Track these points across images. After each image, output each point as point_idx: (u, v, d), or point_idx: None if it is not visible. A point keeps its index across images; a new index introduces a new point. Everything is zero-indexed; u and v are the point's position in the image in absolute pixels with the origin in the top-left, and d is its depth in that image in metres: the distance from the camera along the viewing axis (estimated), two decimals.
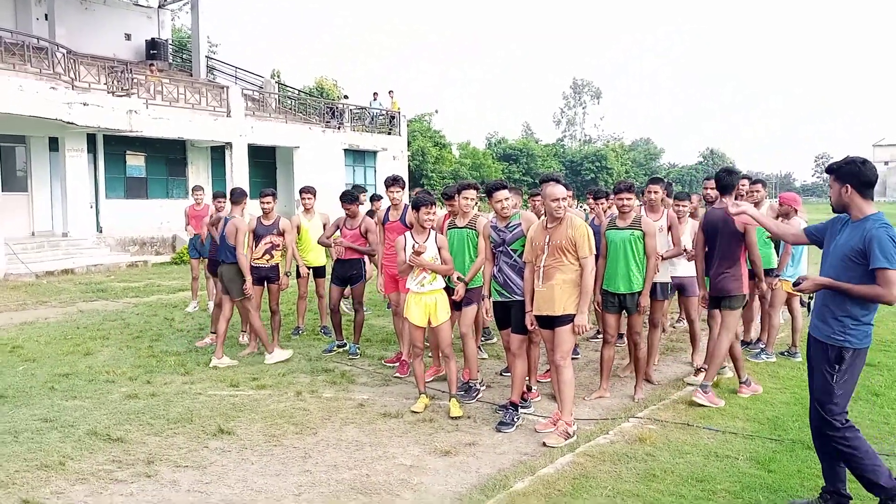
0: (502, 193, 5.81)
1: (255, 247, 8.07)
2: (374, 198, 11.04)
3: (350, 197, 8.00)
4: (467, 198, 6.41)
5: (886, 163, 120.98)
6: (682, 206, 7.34)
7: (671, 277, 7.20)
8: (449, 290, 6.24)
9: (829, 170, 3.90)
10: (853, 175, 3.78)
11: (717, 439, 5.15)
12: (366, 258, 8.18)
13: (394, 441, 5.28)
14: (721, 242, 6.13)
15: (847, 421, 3.84)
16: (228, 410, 5.98)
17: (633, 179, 7.61)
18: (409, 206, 6.49)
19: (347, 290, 8.50)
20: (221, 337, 7.76)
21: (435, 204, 6.04)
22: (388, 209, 7.51)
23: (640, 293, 6.25)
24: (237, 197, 7.93)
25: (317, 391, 6.57)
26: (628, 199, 6.29)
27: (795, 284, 3.96)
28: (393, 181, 7.39)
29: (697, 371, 6.85)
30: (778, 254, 7.68)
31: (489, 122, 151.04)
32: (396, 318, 7.52)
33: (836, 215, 4.02)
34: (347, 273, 8.04)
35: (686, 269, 7.16)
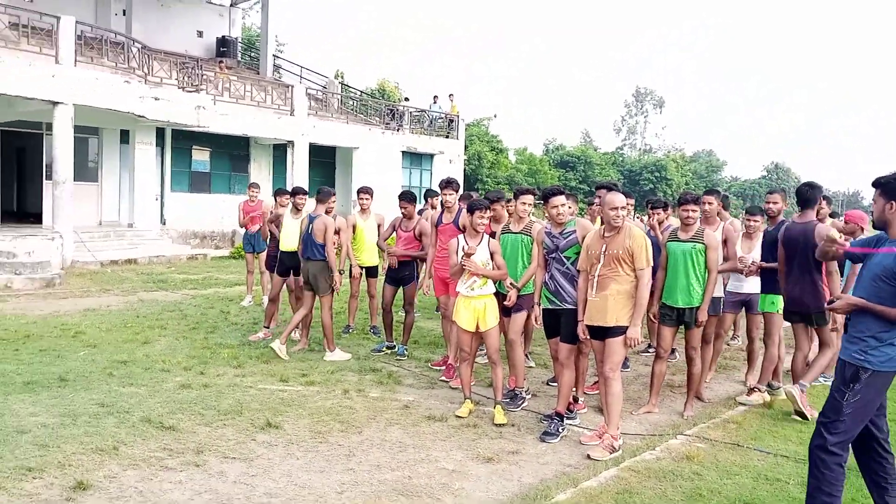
0: (559, 199, 5.76)
1: None
2: (430, 193, 11.02)
3: (409, 196, 8.07)
4: (524, 203, 6.37)
5: None
6: (754, 220, 7.14)
7: (728, 293, 7.07)
8: (500, 295, 6.23)
9: (876, 184, 3.77)
10: None
11: (768, 462, 5.00)
12: (416, 260, 8.24)
13: (437, 444, 5.29)
14: (799, 258, 6.11)
15: (842, 452, 3.69)
16: (277, 405, 6.09)
17: (696, 192, 7.51)
18: (465, 210, 6.50)
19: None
20: (306, 329, 8.29)
21: (490, 209, 6.04)
22: (442, 212, 7.54)
23: (699, 308, 6.12)
24: (323, 196, 8.16)
25: (364, 390, 6.63)
26: (693, 210, 6.18)
27: (829, 303, 3.87)
28: (447, 184, 7.43)
29: (751, 391, 6.66)
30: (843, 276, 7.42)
31: (548, 128, 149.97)
32: (445, 322, 7.55)
33: (877, 233, 3.89)
34: (400, 274, 8.11)
35: (753, 285, 6.97)
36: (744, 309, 7.32)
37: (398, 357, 7.95)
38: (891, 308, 3.59)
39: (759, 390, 6.60)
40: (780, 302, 6.53)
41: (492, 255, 6.02)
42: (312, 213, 8.00)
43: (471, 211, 6.01)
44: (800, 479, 4.65)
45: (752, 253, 7.10)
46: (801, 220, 6.22)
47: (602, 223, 5.51)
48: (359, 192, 9.44)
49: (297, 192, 8.91)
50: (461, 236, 6.15)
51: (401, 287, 8.21)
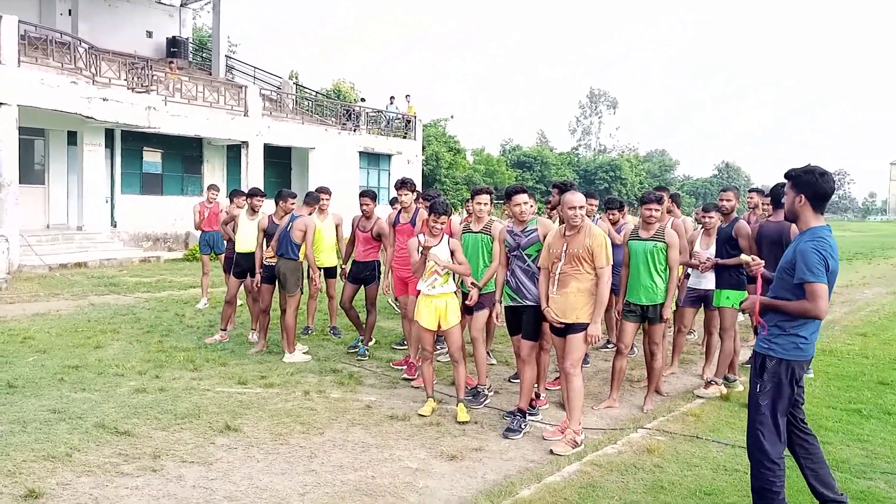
0: (521, 197, 5.81)
1: (268, 246, 8.08)
2: (394, 201, 11.03)
3: (371, 194, 8.04)
4: (480, 203, 6.39)
5: None
6: (709, 216, 7.26)
7: (689, 289, 7.22)
8: (462, 294, 6.23)
9: (788, 175, 3.84)
10: (809, 185, 3.73)
11: (727, 453, 5.09)
12: (380, 259, 8.18)
13: (400, 444, 5.26)
14: (774, 256, 6.19)
15: (774, 446, 3.74)
16: (236, 407, 5.97)
17: (656, 192, 7.53)
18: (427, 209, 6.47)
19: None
20: (264, 331, 8.26)
21: (448, 215, 6.00)
22: (399, 212, 7.52)
23: (661, 304, 6.22)
24: (310, 199, 8.49)
25: (324, 391, 6.56)
26: (655, 209, 6.27)
27: (741, 304, 4.03)
28: (402, 184, 7.41)
29: (708, 384, 6.79)
30: None
31: (505, 128, 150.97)
32: (405, 321, 7.53)
33: None
34: (362, 273, 8.05)
35: (711, 281, 7.09)
36: (702, 305, 7.45)
37: (359, 357, 7.89)
38: (788, 302, 3.69)
39: (717, 383, 6.73)
40: (735, 297, 6.66)
41: (452, 253, 6.01)
42: (295, 214, 8.07)
43: (431, 211, 5.99)
44: None
45: (710, 249, 7.23)
46: (775, 219, 6.36)
47: (561, 222, 5.55)
48: (317, 191, 9.33)
49: (253, 193, 8.83)
50: (421, 235, 6.12)
51: (362, 286, 8.15)
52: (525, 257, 5.75)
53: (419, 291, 6.09)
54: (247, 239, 8.60)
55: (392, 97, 29.14)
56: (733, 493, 4.37)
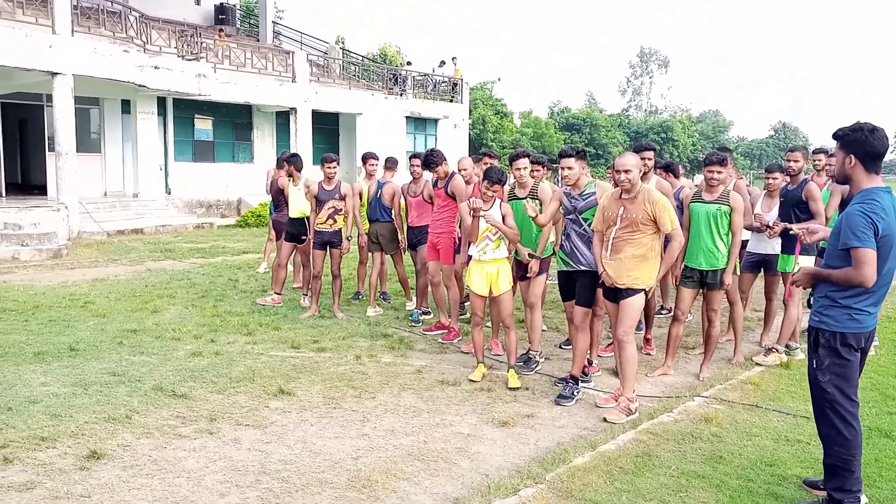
0: (522, 162, 6.01)
1: (319, 211, 8.10)
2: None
3: (421, 155, 7.98)
4: (519, 167, 6.20)
5: None
6: (773, 178, 6.97)
7: (748, 253, 6.95)
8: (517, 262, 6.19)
9: (836, 136, 3.60)
10: (858, 144, 3.48)
11: (788, 423, 4.93)
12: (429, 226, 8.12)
13: (451, 409, 5.24)
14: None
15: (848, 410, 3.56)
16: (289, 371, 6.04)
17: (721, 153, 7.12)
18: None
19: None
20: (315, 296, 8.34)
21: (502, 183, 5.90)
22: (437, 180, 7.49)
23: (723, 270, 6.01)
24: (391, 163, 8.74)
25: (375, 356, 6.58)
26: (719, 171, 6.00)
27: (793, 280, 3.84)
28: (427, 163, 7.36)
29: (769, 351, 6.59)
30: None
31: (553, 91, 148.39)
32: (435, 288, 7.55)
33: None
34: (416, 238, 8.08)
35: (770, 245, 6.84)
36: (762, 270, 7.20)
37: (412, 322, 7.94)
38: (833, 270, 3.50)
39: (777, 351, 6.52)
40: (803, 262, 6.40)
41: (503, 218, 5.90)
42: (381, 180, 8.44)
43: (485, 177, 5.88)
44: (819, 440, 4.58)
45: (772, 212, 6.95)
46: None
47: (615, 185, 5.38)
48: (365, 157, 9.27)
49: (287, 159, 8.99)
50: (473, 199, 6.02)
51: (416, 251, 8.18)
52: (581, 221, 5.62)
53: (469, 257, 6.02)
54: (296, 204, 8.68)
55: (442, 61, 28.79)
56: (796, 464, 4.23)
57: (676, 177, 7.94)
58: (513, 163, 6.27)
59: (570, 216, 5.69)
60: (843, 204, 6.66)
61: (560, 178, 5.89)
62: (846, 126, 3.58)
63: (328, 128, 25.51)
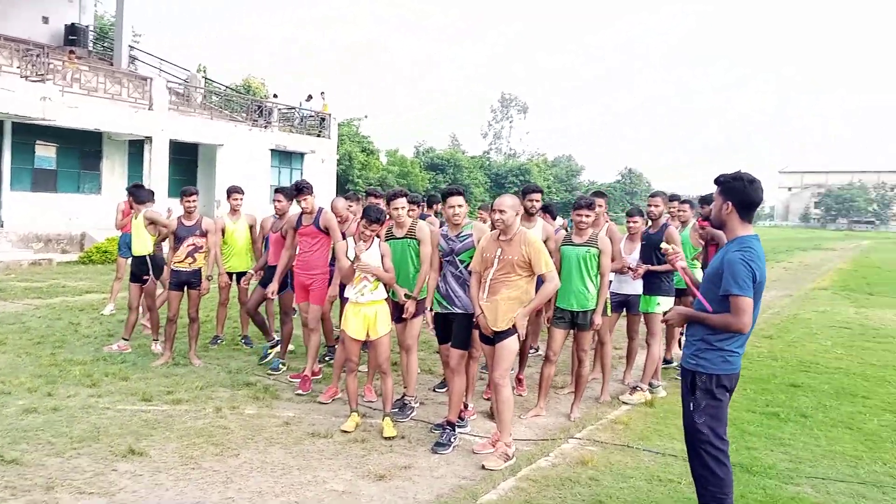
0: (456, 199, 5.61)
1: (177, 249, 7.55)
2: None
3: (286, 190, 7.60)
4: (397, 207, 6.10)
5: (790, 189, 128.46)
6: (633, 221, 7.28)
7: (611, 293, 7.12)
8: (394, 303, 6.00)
9: (717, 181, 3.73)
10: (737, 192, 3.63)
11: (658, 462, 5.04)
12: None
13: (324, 464, 4.93)
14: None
15: (721, 449, 3.64)
16: (140, 428, 5.48)
17: (589, 197, 7.27)
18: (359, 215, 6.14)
19: None
20: (170, 341, 7.67)
21: (381, 223, 5.70)
22: (301, 214, 7.06)
23: (592, 311, 6.13)
24: (287, 192, 7.82)
25: (238, 407, 6.12)
26: (588, 215, 6.15)
27: (664, 316, 4.00)
28: (300, 189, 6.94)
29: (633, 389, 6.78)
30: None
31: (417, 131, 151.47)
32: (305, 330, 7.12)
33: None
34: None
35: (632, 286, 7.10)
36: (623, 310, 7.46)
37: (271, 371, 7.38)
38: (712, 315, 3.59)
39: (641, 389, 6.73)
40: (665, 304, 6.69)
41: (382, 258, 5.73)
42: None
43: (364, 217, 5.67)
44: (690, 479, 4.69)
45: (633, 254, 7.25)
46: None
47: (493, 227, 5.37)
48: (230, 191, 8.83)
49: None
50: (350, 239, 5.81)
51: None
52: (458, 263, 5.54)
53: (346, 299, 5.77)
54: (136, 240, 8.01)
55: (310, 95, 28.40)
56: None
57: (553, 218, 8.14)
58: (390, 202, 6.14)
59: (447, 258, 5.61)
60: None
61: (445, 217, 5.82)
62: (727, 173, 3.73)
63: (186, 159, 24.31)
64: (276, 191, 7.72)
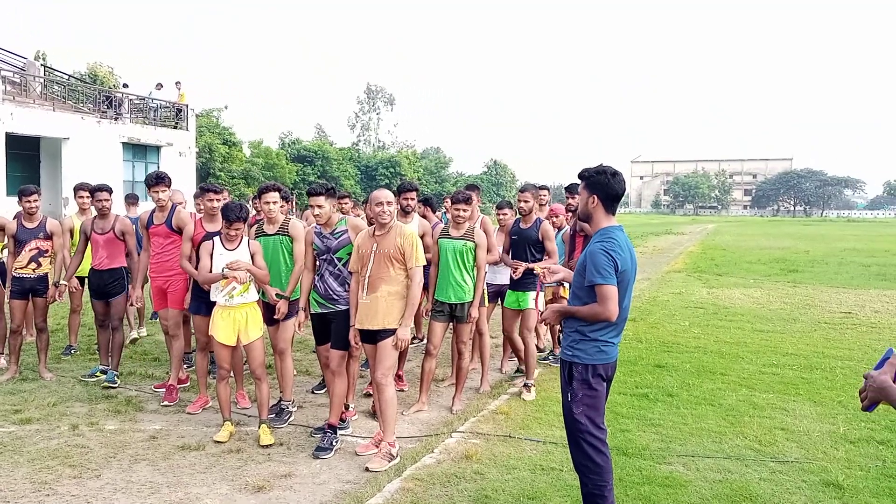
0: (270, 196, 5.64)
1: (18, 254, 6.84)
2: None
3: (104, 187, 6.88)
4: (269, 202, 5.82)
5: (642, 177, 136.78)
6: (502, 214, 7.36)
7: (489, 284, 7.16)
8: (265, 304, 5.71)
9: (581, 176, 3.79)
10: (601, 186, 3.69)
11: (540, 450, 5.12)
12: (125, 269, 6.99)
13: (196, 479, 4.62)
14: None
15: (599, 438, 3.69)
16: None
17: (466, 192, 7.26)
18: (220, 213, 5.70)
19: None
20: (15, 354, 6.99)
21: (243, 220, 5.36)
22: (153, 211, 6.58)
23: (470, 303, 6.13)
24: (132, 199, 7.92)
25: (97, 423, 5.64)
26: (465, 210, 6.13)
27: (541, 315, 4.03)
28: (157, 180, 6.43)
29: (526, 387, 6.65)
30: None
31: (281, 122, 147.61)
32: (168, 338, 6.67)
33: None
34: (106, 285, 6.88)
35: (505, 276, 7.19)
36: (498, 300, 7.55)
37: (107, 385, 6.65)
38: (581, 307, 3.64)
39: (532, 385, 6.70)
40: (529, 299, 6.70)
41: (252, 257, 5.44)
42: (132, 216, 7.29)
43: (226, 218, 5.33)
44: (571, 466, 4.80)
45: (504, 245, 7.34)
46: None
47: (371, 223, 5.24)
48: (77, 189, 8.15)
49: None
50: (216, 238, 5.47)
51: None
52: (336, 261, 5.36)
53: (212, 304, 5.44)
54: None
55: (159, 84, 26.77)
56: (555, 495, 4.36)
57: (434, 211, 8.07)
58: (261, 196, 5.85)
59: (323, 256, 5.41)
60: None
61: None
62: (591, 168, 3.78)
63: (27, 154, 22.29)
64: (96, 189, 6.90)
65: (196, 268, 5.66)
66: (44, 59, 32.42)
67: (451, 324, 6.33)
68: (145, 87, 27.25)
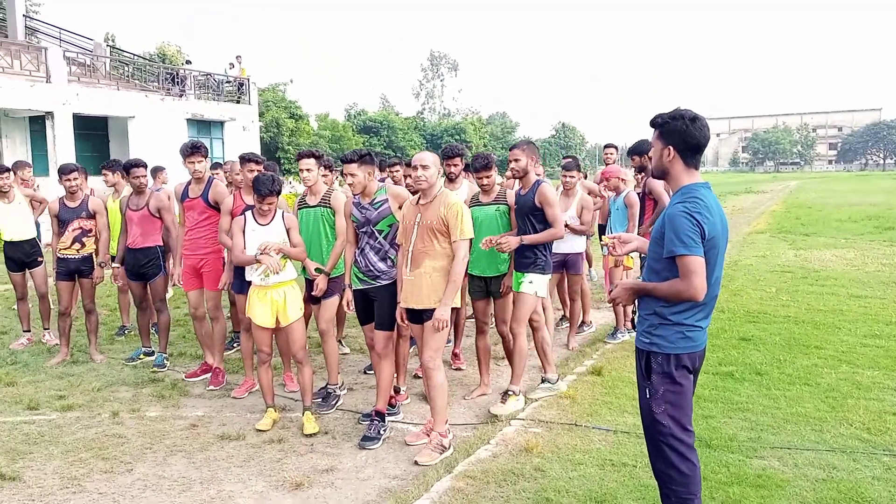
0: (350, 167, 4.84)
1: (61, 234, 6.65)
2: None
3: (138, 162, 6.54)
4: (303, 168, 5.33)
5: (718, 135, 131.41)
6: (570, 176, 6.76)
7: (553, 253, 6.50)
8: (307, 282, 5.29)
9: (654, 123, 3.11)
10: (678, 134, 3.00)
11: (610, 441, 4.54)
12: (161, 247, 6.63)
13: (232, 474, 4.26)
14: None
15: (685, 442, 3.05)
16: (19, 445, 4.71)
17: (492, 152, 6.86)
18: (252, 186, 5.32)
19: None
20: (66, 337, 6.85)
21: (276, 194, 4.89)
22: (189, 183, 6.18)
23: (506, 274, 5.48)
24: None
25: (139, 409, 5.38)
26: (487, 176, 5.44)
27: (610, 294, 3.29)
28: (193, 149, 6.01)
29: (504, 395, 5.36)
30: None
31: (346, 93, 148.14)
32: (197, 323, 6.29)
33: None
34: (141, 265, 6.52)
35: (570, 244, 6.59)
36: (564, 269, 6.95)
37: (156, 368, 6.43)
38: (659, 284, 2.98)
39: (514, 393, 5.34)
40: (537, 281, 5.36)
41: (288, 232, 5.01)
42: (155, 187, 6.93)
43: (257, 192, 4.88)
44: (646, 460, 4.22)
45: (569, 211, 6.74)
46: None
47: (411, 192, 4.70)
48: (128, 167, 7.90)
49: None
50: (248, 213, 5.06)
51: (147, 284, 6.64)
52: (376, 234, 4.87)
53: (240, 281, 5.05)
54: (11, 225, 7.19)
55: (231, 63, 26.77)
56: (627, 497, 3.78)
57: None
58: (298, 161, 5.40)
59: (363, 229, 4.92)
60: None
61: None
62: (664, 113, 3.09)
63: (96, 133, 22.69)
64: (131, 165, 6.55)
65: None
66: (112, 41, 33.05)
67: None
68: (212, 64, 27.31)
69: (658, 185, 6.47)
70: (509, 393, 5.28)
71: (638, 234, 6.68)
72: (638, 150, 6.99)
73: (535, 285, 5.25)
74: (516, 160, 5.31)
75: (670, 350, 3.01)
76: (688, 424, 3.07)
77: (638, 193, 6.99)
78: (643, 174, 6.98)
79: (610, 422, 4.87)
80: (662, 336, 3.02)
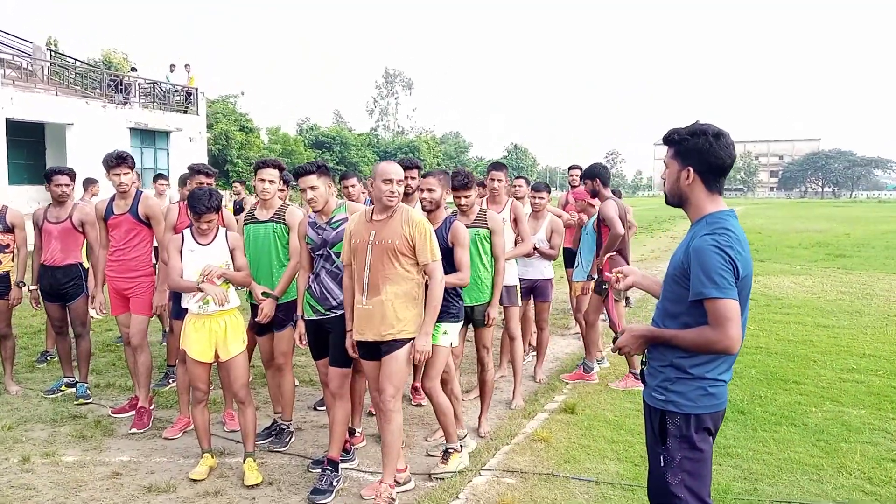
0: (309, 180, 4.27)
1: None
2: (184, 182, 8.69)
3: (66, 170, 5.90)
4: (263, 179, 4.78)
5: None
6: (539, 197, 6.39)
7: (520, 279, 6.08)
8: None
9: (669, 140, 2.65)
10: (699, 153, 2.56)
11: (593, 494, 4.07)
12: (82, 266, 6.00)
13: None
14: None
15: None
16: None
17: (464, 175, 6.36)
18: (185, 202, 4.77)
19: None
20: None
21: (216, 210, 4.30)
22: (112, 199, 5.50)
23: (488, 303, 5.05)
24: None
25: (54, 453, 4.68)
26: (466, 196, 5.00)
27: (614, 342, 2.77)
28: (118, 160, 5.31)
29: (445, 454, 4.53)
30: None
31: (298, 108, 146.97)
32: (128, 350, 5.59)
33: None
34: (61, 285, 5.88)
35: (539, 269, 6.18)
36: (531, 296, 6.51)
37: (79, 399, 5.76)
38: (682, 332, 2.51)
39: (455, 451, 4.60)
40: (451, 330, 5.05)
41: (231, 253, 4.43)
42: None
43: (194, 211, 4.26)
44: None
45: (539, 234, 6.36)
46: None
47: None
48: (51, 174, 7.18)
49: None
50: (186, 231, 4.45)
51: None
52: (333, 257, 4.32)
53: (184, 310, 4.44)
54: None
55: (172, 65, 25.75)
56: None
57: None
58: (257, 172, 4.84)
59: (319, 251, 4.37)
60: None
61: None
62: (681, 128, 2.62)
63: (31, 140, 21.49)
64: (53, 172, 5.91)
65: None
66: (54, 45, 31.64)
67: (468, 328, 5.26)
68: (158, 72, 26.35)
69: (611, 211, 6.05)
70: (449, 451, 4.51)
71: (595, 264, 6.35)
72: (590, 174, 6.50)
73: (451, 335, 4.56)
74: (430, 190, 4.57)
75: (690, 409, 2.53)
76: (706, 497, 2.58)
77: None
78: (596, 198, 6.56)
79: (590, 470, 4.40)
80: (681, 392, 2.54)
